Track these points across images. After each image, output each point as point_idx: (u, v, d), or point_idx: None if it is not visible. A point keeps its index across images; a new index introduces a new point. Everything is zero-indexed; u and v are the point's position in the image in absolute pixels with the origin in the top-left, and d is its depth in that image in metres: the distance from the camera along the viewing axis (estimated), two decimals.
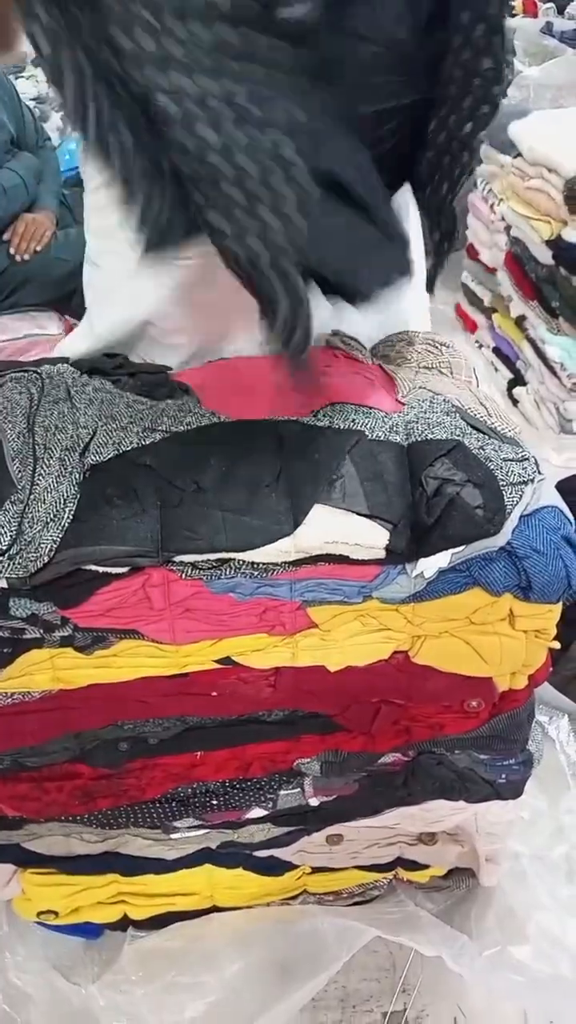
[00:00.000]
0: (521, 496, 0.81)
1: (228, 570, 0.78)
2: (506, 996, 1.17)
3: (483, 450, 0.84)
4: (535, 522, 0.82)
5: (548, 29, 2.95)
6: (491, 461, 0.82)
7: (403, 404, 0.89)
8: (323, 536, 0.78)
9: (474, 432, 0.86)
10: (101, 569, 0.75)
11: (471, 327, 2.56)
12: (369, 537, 0.78)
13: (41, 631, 0.80)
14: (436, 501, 0.77)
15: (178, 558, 0.77)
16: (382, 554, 0.79)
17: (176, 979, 1.15)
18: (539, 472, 0.85)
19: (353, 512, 0.77)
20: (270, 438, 0.83)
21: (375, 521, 0.78)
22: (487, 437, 0.86)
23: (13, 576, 0.73)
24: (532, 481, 0.83)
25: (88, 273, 1.06)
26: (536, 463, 0.86)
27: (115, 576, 0.76)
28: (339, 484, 0.79)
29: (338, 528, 0.78)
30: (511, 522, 0.79)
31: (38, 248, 2.10)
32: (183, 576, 0.78)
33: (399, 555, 0.79)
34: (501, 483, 0.80)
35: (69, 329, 1.94)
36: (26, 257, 2.08)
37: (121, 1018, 1.12)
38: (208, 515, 0.76)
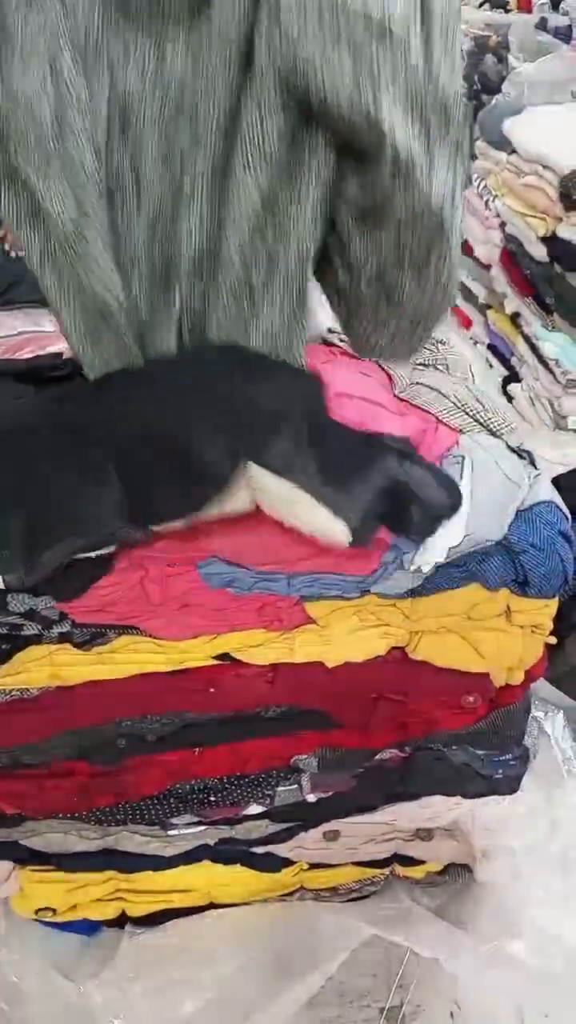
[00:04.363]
0: (518, 492, 0.81)
1: None
2: (502, 991, 1.17)
3: (480, 445, 0.84)
4: (531, 517, 0.82)
5: (543, 25, 2.95)
6: (488, 456, 0.82)
7: (401, 399, 0.89)
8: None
9: (475, 426, 0.87)
10: (94, 554, 0.74)
11: (466, 323, 2.57)
12: None
13: (39, 627, 0.80)
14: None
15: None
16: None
17: (173, 976, 1.15)
18: (535, 468, 0.85)
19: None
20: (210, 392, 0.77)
21: None
22: (485, 433, 0.87)
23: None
24: (528, 477, 0.83)
25: None
26: (532, 459, 0.86)
27: (106, 559, 0.75)
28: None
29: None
30: (508, 517, 0.79)
31: None
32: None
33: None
34: (498, 479, 0.80)
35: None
36: (21, 253, 2.06)
37: (119, 1015, 1.12)
38: (160, 481, 0.72)
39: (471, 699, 0.93)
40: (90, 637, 0.82)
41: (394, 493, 0.74)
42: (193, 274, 0.70)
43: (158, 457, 0.73)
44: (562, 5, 3.09)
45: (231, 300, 0.70)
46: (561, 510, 0.84)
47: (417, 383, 0.95)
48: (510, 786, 1.06)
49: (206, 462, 0.71)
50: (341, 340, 1.04)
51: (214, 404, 0.74)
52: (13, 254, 2.15)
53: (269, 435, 0.72)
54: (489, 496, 0.80)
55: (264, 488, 0.72)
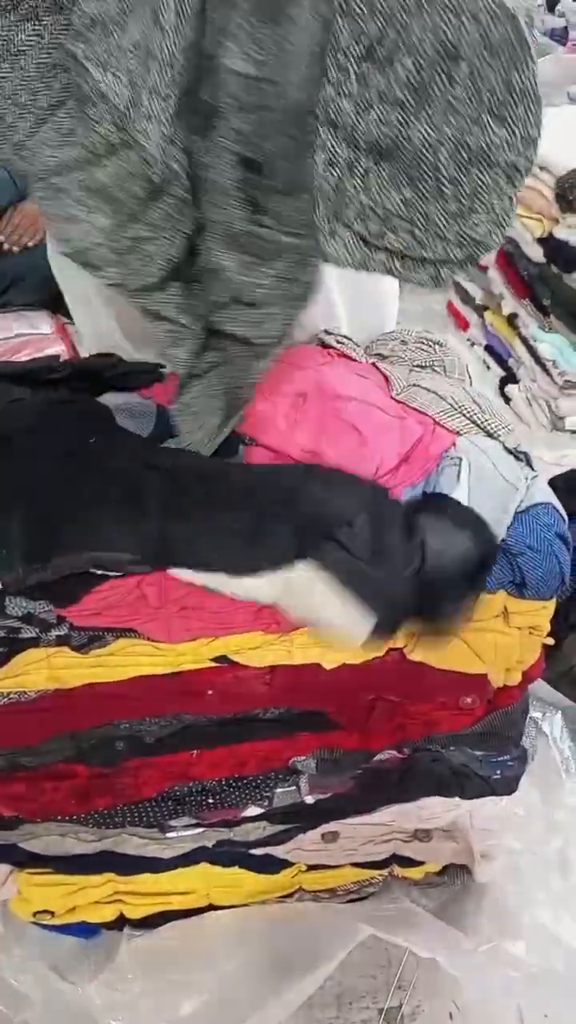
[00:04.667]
0: (515, 494, 0.81)
1: None
2: (501, 992, 1.17)
3: (477, 446, 0.85)
4: (529, 519, 0.82)
5: (539, 26, 2.96)
6: (486, 458, 0.82)
7: (399, 401, 0.90)
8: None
9: (472, 427, 0.87)
10: (98, 571, 0.75)
11: (463, 325, 2.57)
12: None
13: (37, 630, 0.80)
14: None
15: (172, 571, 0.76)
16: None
17: (173, 977, 1.14)
18: (532, 469, 0.86)
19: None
20: (292, 473, 0.82)
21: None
22: (482, 434, 0.87)
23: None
24: (526, 478, 0.83)
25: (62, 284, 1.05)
26: (529, 460, 0.87)
27: (112, 575, 0.76)
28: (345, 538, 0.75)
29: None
30: (506, 519, 0.80)
31: (30, 244, 2.06)
32: None
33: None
34: (496, 481, 0.81)
35: (61, 329, 1.93)
36: (15, 249, 2.04)
37: (118, 1017, 1.12)
38: (211, 532, 0.75)
39: (469, 700, 0.93)
40: (88, 640, 0.82)
41: (425, 591, 0.75)
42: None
43: (215, 506, 0.75)
44: (557, 7, 3.10)
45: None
46: (558, 512, 0.84)
47: (414, 385, 0.96)
48: (508, 787, 1.06)
49: (269, 534, 0.73)
50: (338, 342, 1.04)
51: (283, 485, 0.76)
52: (5, 247, 2.13)
53: (330, 535, 0.72)
54: (487, 498, 0.80)
55: (297, 582, 0.73)
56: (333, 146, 0.61)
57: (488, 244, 0.65)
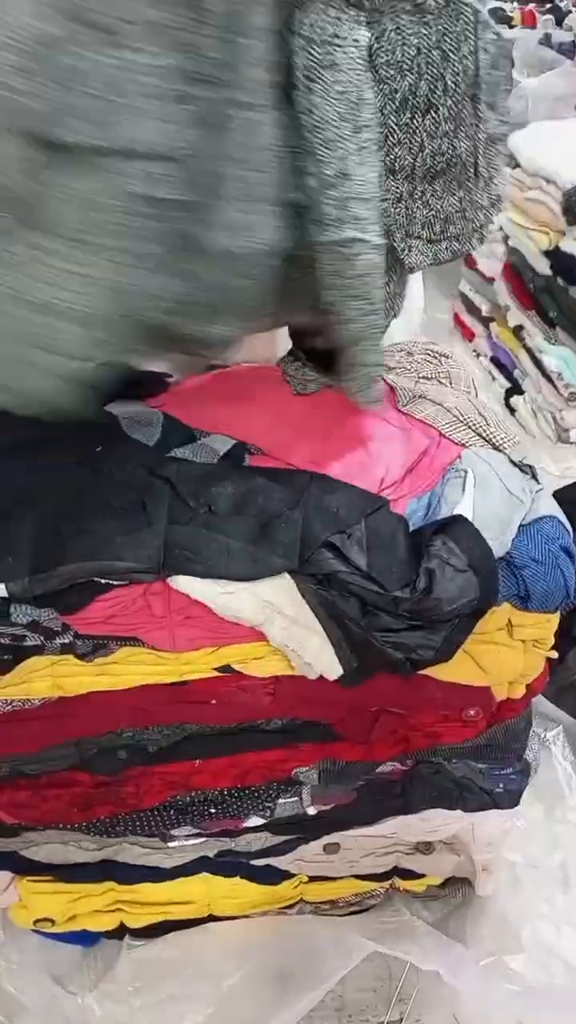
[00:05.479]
0: (520, 507, 0.81)
1: None
2: (501, 1005, 1.17)
3: (482, 459, 0.85)
4: (533, 532, 0.82)
5: (547, 40, 2.97)
6: (491, 471, 0.82)
7: (404, 413, 0.90)
8: None
9: (478, 440, 0.87)
10: (103, 580, 0.76)
11: (469, 336, 2.57)
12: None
13: (42, 638, 0.81)
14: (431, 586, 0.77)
15: (176, 578, 0.77)
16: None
17: (173, 990, 1.14)
18: (537, 482, 0.86)
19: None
20: (293, 482, 0.83)
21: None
22: (489, 447, 0.87)
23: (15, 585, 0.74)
24: (531, 491, 0.83)
25: None
26: (535, 473, 0.87)
27: (117, 584, 0.77)
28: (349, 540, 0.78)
29: None
30: (511, 532, 0.80)
31: None
32: None
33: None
34: (501, 494, 0.81)
35: None
36: None
37: None
38: (214, 539, 0.76)
39: (472, 713, 0.93)
40: (92, 648, 0.83)
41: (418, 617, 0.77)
42: None
43: (219, 514, 0.78)
44: (566, 21, 3.11)
45: None
46: (563, 525, 0.84)
47: (420, 396, 0.96)
48: (511, 800, 1.05)
49: (270, 541, 0.76)
50: None
51: (285, 493, 0.80)
52: None
53: (327, 543, 0.76)
54: (492, 511, 0.80)
55: (284, 610, 0.78)
56: (396, 188, 0.72)
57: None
